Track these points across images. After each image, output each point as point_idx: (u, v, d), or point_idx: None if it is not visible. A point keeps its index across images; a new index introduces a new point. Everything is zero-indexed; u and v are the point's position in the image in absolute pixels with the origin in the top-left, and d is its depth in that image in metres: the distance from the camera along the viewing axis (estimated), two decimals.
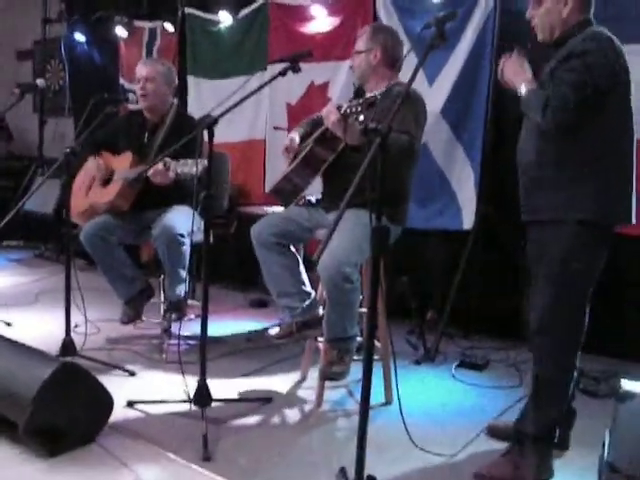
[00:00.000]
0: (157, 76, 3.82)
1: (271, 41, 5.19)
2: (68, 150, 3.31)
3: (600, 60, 2.29)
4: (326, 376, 2.99)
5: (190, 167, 3.17)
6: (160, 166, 3.35)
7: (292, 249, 3.20)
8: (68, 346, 3.38)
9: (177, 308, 3.66)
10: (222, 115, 2.68)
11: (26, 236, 6.91)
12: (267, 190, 3.41)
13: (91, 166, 3.84)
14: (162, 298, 3.85)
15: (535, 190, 2.50)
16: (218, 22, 5.46)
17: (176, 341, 3.60)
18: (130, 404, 2.99)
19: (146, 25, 6.07)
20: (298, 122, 3.55)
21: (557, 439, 2.55)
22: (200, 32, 5.65)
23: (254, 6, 5.26)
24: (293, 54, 2.95)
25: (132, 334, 4.03)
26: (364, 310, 3.12)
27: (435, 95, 4.27)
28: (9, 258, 6.31)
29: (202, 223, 3.36)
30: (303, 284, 3.19)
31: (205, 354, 2.77)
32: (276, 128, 4.89)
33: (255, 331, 4.23)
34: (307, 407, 3.13)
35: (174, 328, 3.76)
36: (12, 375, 2.57)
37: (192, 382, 2.83)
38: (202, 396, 2.77)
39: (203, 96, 5.63)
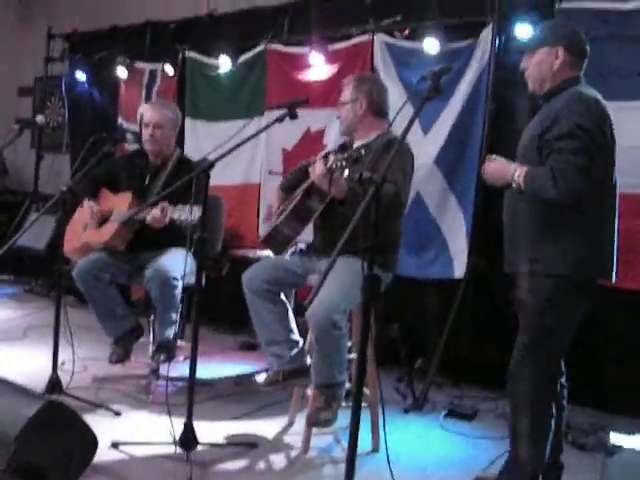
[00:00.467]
0: (166, 122, 3.87)
1: (269, 87, 5.27)
2: (65, 188, 3.34)
3: (591, 122, 2.35)
4: (313, 422, 2.97)
5: (187, 214, 3.19)
6: (158, 213, 3.37)
7: (282, 297, 3.20)
8: (54, 384, 3.37)
9: (166, 349, 3.64)
10: (219, 159, 2.72)
11: (17, 271, 6.88)
12: (259, 238, 3.45)
13: (86, 209, 3.85)
14: (151, 338, 3.83)
15: (515, 242, 2.55)
16: (218, 67, 5.54)
17: (163, 382, 3.57)
18: (115, 445, 2.95)
19: (147, 67, 6.15)
20: (293, 167, 3.59)
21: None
22: (199, 75, 5.73)
23: (253, 52, 5.35)
24: (290, 101, 3.00)
25: (119, 374, 4.00)
26: (353, 356, 3.13)
27: (429, 144, 4.34)
28: None
29: (195, 265, 3.38)
30: (291, 332, 3.19)
31: (193, 396, 2.76)
32: (271, 173, 4.94)
33: (244, 375, 4.19)
34: (293, 453, 3.11)
35: (162, 369, 3.74)
36: None
37: (178, 424, 2.80)
38: (188, 439, 2.75)
39: (200, 138, 5.69)
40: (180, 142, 5.56)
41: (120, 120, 6.37)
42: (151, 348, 3.80)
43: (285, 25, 5.26)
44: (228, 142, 2.85)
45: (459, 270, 4.28)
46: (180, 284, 3.53)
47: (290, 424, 3.44)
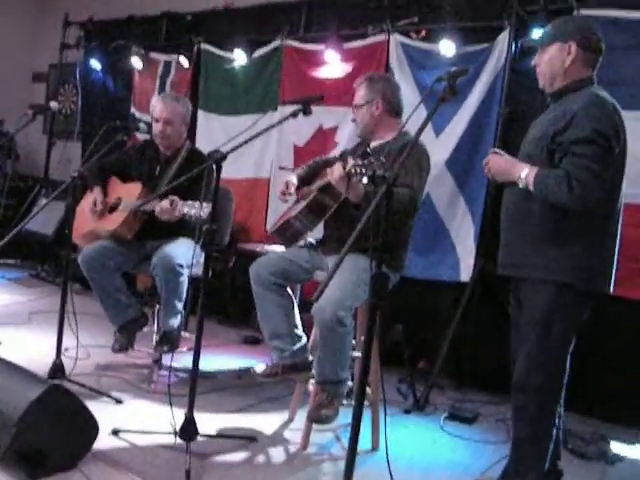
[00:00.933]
0: (177, 118, 3.87)
1: (283, 83, 5.27)
2: (75, 174, 3.35)
3: (609, 128, 2.31)
4: (314, 418, 2.97)
5: (197, 210, 3.19)
6: (167, 204, 3.36)
7: (289, 290, 3.21)
8: (57, 369, 3.38)
9: (170, 340, 3.64)
10: (231, 151, 2.72)
11: (24, 255, 6.91)
12: (269, 230, 3.43)
13: (91, 199, 3.86)
14: (155, 328, 3.84)
15: (519, 245, 2.51)
16: (232, 60, 5.54)
17: (166, 372, 3.59)
18: (115, 432, 2.96)
19: (162, 58, 6.16)
20: (305, 163, 3.59)
21: None
22: (214, 68, 5.74)
23: (269, 47, 5.35)
24: (305, 97, 3.00)
25: (122, 362, 4.01)
26: (356, 354, 3.13)
27: (441, 146, 4.33)
28: (5, 276, 6.30)
29: (202, 256, 3.38)
30: (296, 327, 3.20)
31: (195, 387, 2.76)
32: (282, 168, 4.94)
33: (246, 368, 4.20)
34: (293, 448, 3.11)
35: (165, 359, 3.75)
36: None
37: (179, 415, 2.81)
38: (188, 430, 2.75)
39: (212, 131, 5.69)
40: (192, 134, 5.58)
41: (133, 110, 6.39)
42: (155, 338, 3.81)
43: (302, 21, 5.27)
44: (240, 136, 2.85)
45: (465, 273, 4.28)
46: (186, 272, 3.53)
47: (290, 419, 3.44)
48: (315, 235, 3.38)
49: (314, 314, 2.86)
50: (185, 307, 3.74)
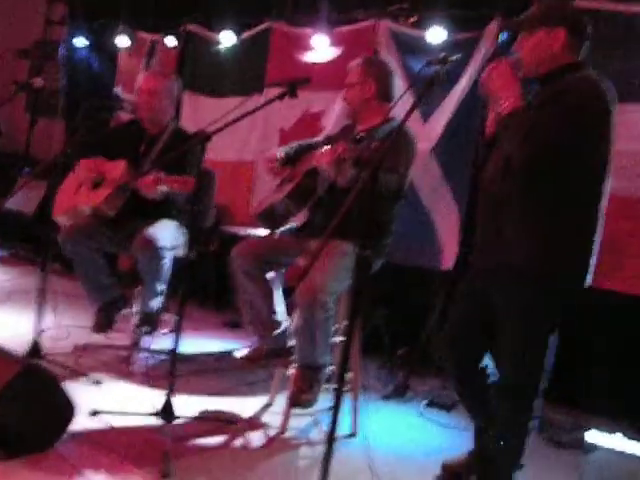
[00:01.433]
0: (161, 90, 3.82)
1: (270, 65, 5.23)
2: (58, 153, 3.31)
3: (595, 107, 2.23)
4: (294, 403, 2.96)
5: (180, 184, 3.16)
6: (151, 178, 3.32)
7: (269, 276, 3.18)
8: (35, 348, 3.34)
9: (150, 321, 3.62)
10: (216, 132, 2.69)
11: (3, 234, 6.82)
12: (253, 214, 3.41)
13: (82, 167, 3.81)
14: (136, 309, 3.81)
15: (502, 235, 2.39)
16: (220, 41, 5.49)
17: (145, 354, 3.57)
18: (93, 413, 2.94)
19: (148, 37, 6.09)
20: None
21: None
22: (201, 49, 5.69)
23: (258, 29, 5.31)
24: (291, 79, 2.97)
25: (102, 343, 3.97)
26: (338, 340, 3.12)
27: (428, 133, 4.32)
28: None
29: (184, 238, 3.35)
30: (274, 313, 3.19)
31: (175, 369, 2.74)
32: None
33: (226, 352, 4.19)
34: (272, 432, 3.11)
35: (145, 341, 3.72)
36: None
37: (158, 396, 2.79)
38: (167, 411, 2.74)
39: (198, 112, 5.65)
40: (177, 115, 5.53)
41: (117, 89, 6.31)
42: (135, 319, 3.78)
43: (290, 4, 5.22)
44: (225, 117, 2.82)
45: (448, 261, 4.28)
46: (169, 255, 3.50)
47: (270, 403, 3.43)
48: (298, 219, 3.37)
49: (296, 298, 2.85)
50: (167, 289, 3.72)
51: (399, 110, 3.10)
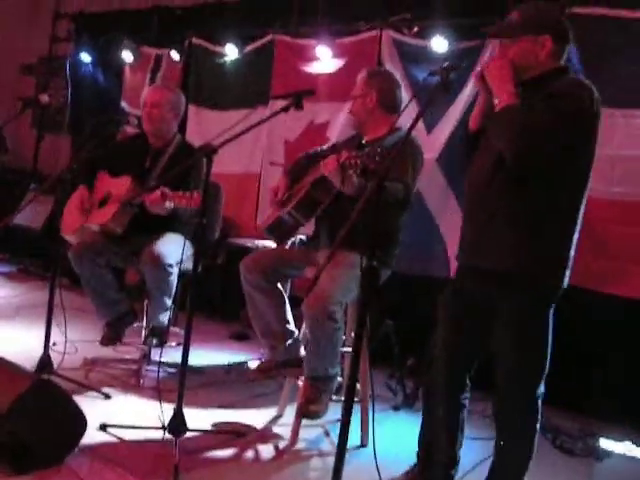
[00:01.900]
0: (165, 103, 3.84)
1: (274, 77, 5.25)
2: (64, 168, 3.32)
3: (589, 112, 2.23)
4: (303, 414, 2.96)
5: (187, 200, 3.16)
6: (158, 194, 3.33)
7: (279, 287, 3.19)
8: (45, 363, 3.34)
9: (159, 334, 3.62)
10: (222, 145, 2.70)
11: (12, 250, 6.85)
12: (260, 227, 3.42)
13: (85, 189, 3.83)
14: (144, 323, 3.82)
15: (486, 236, 2.38)
16: (224, 54, 5.52)
17: (154, 367, 3.57)
18: (103, 427, 2.94)
19: (152, 51, 6.13)
20: (294, 159, 3.56)
21: None
22: (205, 62, 5.71)
23: (261, 41, 5.34)
24: (296, 91, 2.98)
25: (111, 357, 3.99)
26: (346, 350, 3.12)
27: (432, 143, 4.32)
28: None
29: (191, 251, 3.36)
30: (287, 323, 3.19)
31: (184, 382, 2.74)
32: (272, 164, 4.92)
33: (235, 364, 4.19)
34: (282, 444, 3.10)
35: (154, 354, 3.73)
36: None
37: (168, 410, 2.79)
38: (177, 424, 2.74)
39: (203, 125, 5.67)
40: (183, 129, 5.56)
41: (123, 104, 6.35)
42: (144, 333, 3.79)
43: (294, 16, 5.25)
44: (231, 130, 2.83)
45: (455, 269, 4.26)
46: (175, 270, 3.51)
47: (279, 415, 3.43)
48: (306, 231, 3.37)
49: (304, 310, 2.86)
50: (174, 302, 3.73)
51: (404, 120, 3.11)
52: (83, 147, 3.52)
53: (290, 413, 3.28)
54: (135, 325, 3.86)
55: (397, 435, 3.35)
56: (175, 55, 5.86)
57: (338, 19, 4.99)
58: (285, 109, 2.92)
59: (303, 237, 3.35)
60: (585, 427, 3.54)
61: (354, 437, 3.12)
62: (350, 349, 3.01)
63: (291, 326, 3.20)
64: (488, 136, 2.41)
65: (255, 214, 5.31)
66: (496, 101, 2.29)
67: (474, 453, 3.15)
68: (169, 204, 3.32)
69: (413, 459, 2.75)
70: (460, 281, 2.58)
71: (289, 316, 3.20)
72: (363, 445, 3.15)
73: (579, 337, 3.82)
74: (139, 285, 3.88)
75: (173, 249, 3.51)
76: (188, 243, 3.47)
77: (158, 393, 2.90)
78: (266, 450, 3.02)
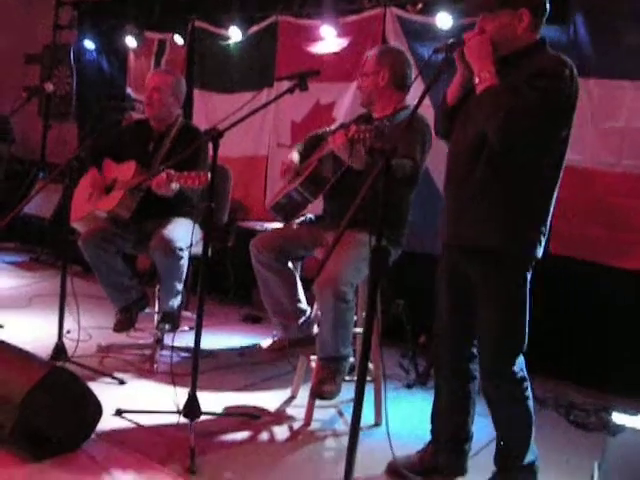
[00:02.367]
0: (165, 87, 3.83)
1: (279, 58, 5.22)
2: (72, 156, 3.33)
3: (570, 90, 2.23)
4: (316, 395, 2.97)
5: (193, 179, 3.17)
6: (163, 176, 3.34)
7: (290, 266, 3.19)
8: (59, 351, 3.38)
9: (171, 319, 3.64)
10: (228, 129, 2.69)
11: (23, 239, 6.89)
12: (267, 206, 3.41)
13: (93, 176, 3.84)
14: (156, 308, 3.83)
15: (468, 213, 2.39)
16: (228, 37, 5.49)
17: (168, 352, 3.59)
18: (119, 413, 2.97)
19: (156, 36, 6.10)
20: (301, 140, 3.55)
21: (450, 467, 2.63)
22: (209, 46, 5.68)
23: (265, 23, 5.30)
24: (301, 72, 2.96)
25: (124, 343, 4.02)
26: (358, 330, 3.12)
27: None
28: (4, 260, 6.29)
29: (201, 235, 3.36)
30: (299, 301, 3.19)
31: (197, 366, 2.76)
32: (280, 145, 4.91)
33: (248, 347, 4.21)
34: (296, 425, 3.12)
35: (167, 339, 3.75)
36: (2, 376, 2.55)
37: (182, 394, 2.81)
38: (192, 408, 2.75)
39: (209, 109, 5.66)
40: (189, 113, 5.55)
41: (128, 90, 6.34)
42: (156, 318, 3.80)
43: None
44: (237, 113, 2.82)
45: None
46: (186, 254, 3.52)
47: (293, 396, 3.44)
48: (314, 211, 3.36)
49: (315, 291, 2.86)
50: (185, 287, 3.73)
51: (411, 98, 3.09)
52: (89, 135, 3.52)
53: (304, 394, 3.29)
54: (147, 311, 3.88)
55: (411, 413, 3.36)
56: (179, 39, 5.84)
57: None
58: (290, 90, 2.90)
59: (312, 217, 3.34)
60: (598, 401, 3.55)
61: (368, 416, 3.13)
62: (362, 329, 3.02)
63: (303, 305, 3.20)
64: (467, 112, 2.40)
65: (264, 196, 5.31)
66: (476, 80, 2.28)
67: (490, 429, 3.15)
68: (175, 185, 3.33)
69: (427, 436, 2.76)
70: (446, 256, 2.60)
71: (301, 295, 3.20)
72: (377, 424, 3.16)
73: (592, 312, 3.81)
74: (150, 271, 3.89)
75: (182, 233, 3.51)
76: (197, 227, 3.47)
77: (172, 377, 2.91)
78: (280, 431, 3.04)
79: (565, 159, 2.36)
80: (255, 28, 5.37)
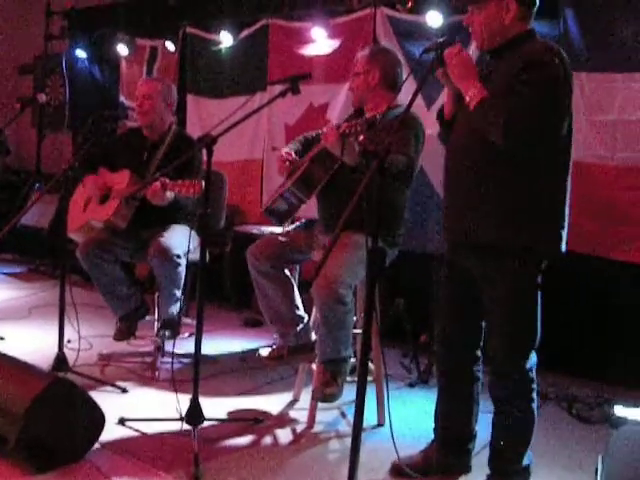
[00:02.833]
0: (155, 94, 3.83)
1: (271, 62, 5.23)
2: (67, 166, 3.33)
3: (563, 77, 2.22)
4: (319, 397, 2.97)
5: (187, 188, 3.18)
6: (158, 185, 3.34)
7: (287, 273, 3.19)
8: (61, 361, 3.38)
9: (171, 326, 3.64)
10: (221, 134, 2.69)
11: (20, 250, 6.88)
12: (262, 209, 3.41)
13: (89, 184, 3.83)
14: (156, 316, 3.83)
15: (473, 209, 2.36)
16: (219, 42, 5.49)
17: (169, 359, 3.59)
18: (122, 421, 2.97)
19: (147, 43, 6.10)
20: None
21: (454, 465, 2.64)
22: (201, 51, 5.69)
23: (255, 27, 5.30)
24: (293, 75, 2.97)
25: (125, 351, 4.02)
26: (358, 331, 3.13)
27: (433, 118, 4.27)
28: (2, 272, 6.28)
29: (198, 242, 3.36)
30: (297, 308, 3.20)
31: (198, 372, 2.76)
32: (274, 149, 4.91)
33: (248, 351, 4.21)
34: (299, 428, 3.12)
35: (167, 346, 3.75)
36: (4, 389, 2.55)
37: (184, 400, 2.81)
38: (194, 415, 2.76)
39: (202, 115, 5.66)
40: (183, 119, 5.55)
41: (122, 98, 6.34)
42: (156, 325, 3.80)
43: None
44: (230, 118, 2.82)
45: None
46: (183, 262, 3.53)
47: (295, 400, 3.45)
48: (309, 215, 3.37)
49: (313, 294, 2.86)
50: (184, 293, 3.74)
51: (403, 96, 3.09)
52: (82, 145, 3.52)
53: (306, 397, 3.29)
54: (147, 318, 3.88)
55: (413, 412, 3.37)
56: (170, 45, 5.84)
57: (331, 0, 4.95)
58: (282, 94, 2.90)
59: (306, 220, 3.34)
60: (600, 395, 3.55)
61: (371, 417, 3.13)
62: (361, 330, 3.03)
63: (300, 311, 3.20)
64: (463, 110, 2.39)
65: (260, 200, 5.31)
66: (467, 98, 2.28)
67: (489, 427, 3.16)
68: (170, 194, 3.34)
69: (430, 435, 2.76)
70: (450, 256, 2.58)
71: (298, 302, 3.21)
72: (380, 424, 3.16)
73: (594, 305, 3.82)
74: (149, 278, 3.89)
75: (180, 240, 3.52)
76: (194, 234, 3.47)
77: (174, 384, 2.92)
78: (284, 435, 3.04)
79: (572, 156, 2.35)
80: (246, 32, 5.37)
